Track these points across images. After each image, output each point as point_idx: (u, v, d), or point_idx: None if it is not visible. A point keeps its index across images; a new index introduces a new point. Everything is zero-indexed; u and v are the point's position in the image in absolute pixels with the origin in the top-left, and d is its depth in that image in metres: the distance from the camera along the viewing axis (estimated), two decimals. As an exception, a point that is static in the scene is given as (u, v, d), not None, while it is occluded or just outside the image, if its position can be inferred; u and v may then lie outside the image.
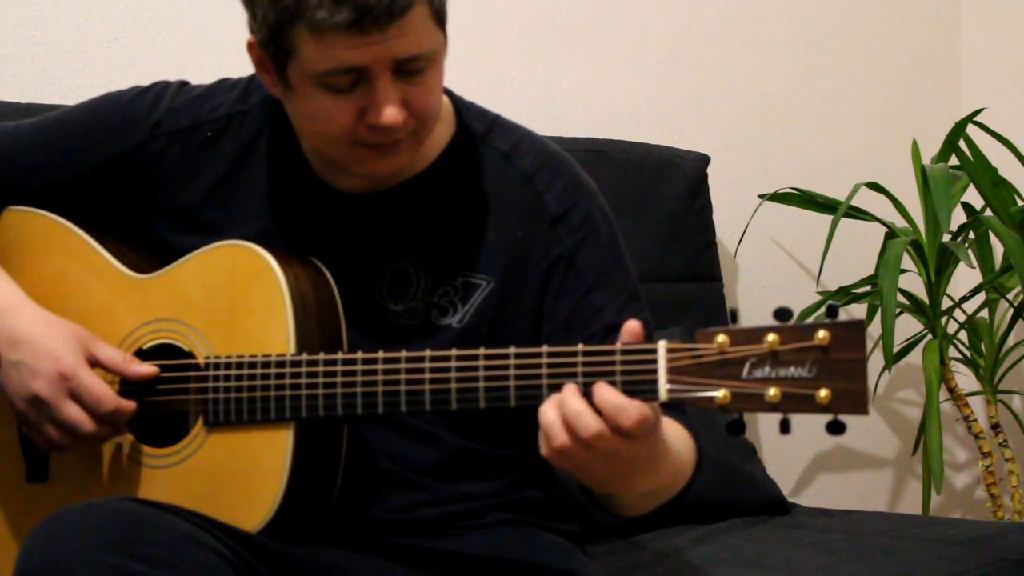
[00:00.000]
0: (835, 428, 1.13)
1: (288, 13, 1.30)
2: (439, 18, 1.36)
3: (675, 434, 1.37)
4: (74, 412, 1.39)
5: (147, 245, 1.52)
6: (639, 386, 1.19)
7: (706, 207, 2.60)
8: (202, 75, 1.59)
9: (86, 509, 1.25)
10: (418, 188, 1.48)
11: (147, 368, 1.42)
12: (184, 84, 1.55)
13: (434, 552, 1.45)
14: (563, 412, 1.19)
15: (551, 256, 1.47)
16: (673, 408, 1.41)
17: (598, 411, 1.19)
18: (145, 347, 1.45)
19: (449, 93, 1.53)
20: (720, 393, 1.15)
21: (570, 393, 1.20)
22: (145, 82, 1.56)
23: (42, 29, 2.05)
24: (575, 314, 1.45)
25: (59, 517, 1.24)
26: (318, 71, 1.32)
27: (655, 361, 1.19)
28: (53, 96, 2.02)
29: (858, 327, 1.12)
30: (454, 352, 1.28)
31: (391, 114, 1.34)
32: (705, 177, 2.60)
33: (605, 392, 1.19)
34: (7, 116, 1.70)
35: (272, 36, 1.34)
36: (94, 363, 1.42)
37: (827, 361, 1.12)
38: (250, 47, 1.40)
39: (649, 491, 1.35)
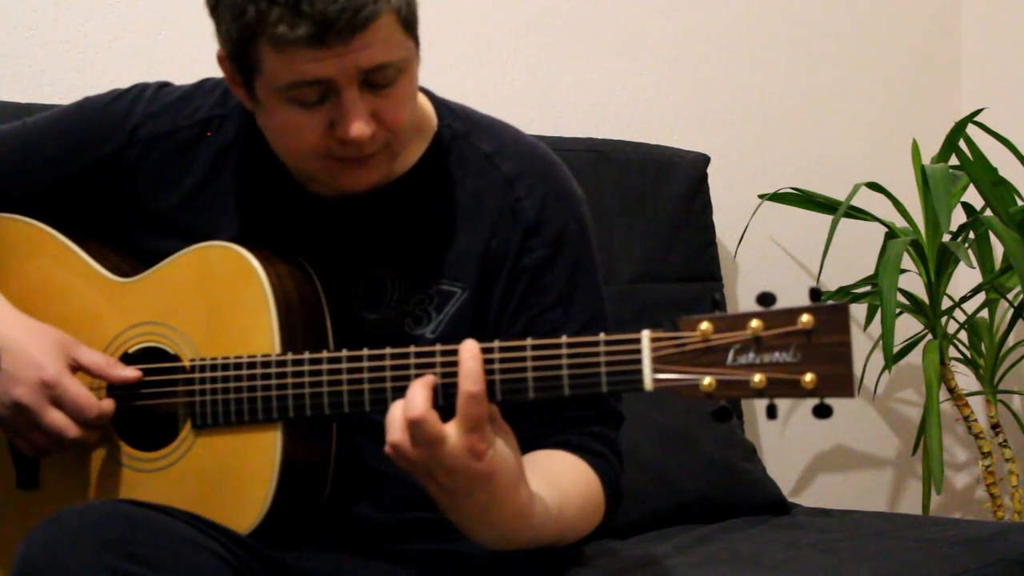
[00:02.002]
0: (821, 412, 1.13)
1: (249, 29, 1.28)
2: (408, 26, 1.33)
3: (582, 497, 1.37)
4: (58, 419, 1.38)
5: (129, 249, 1.52)
6: (624, 376, 1.19)
7: (706, 207, 2.60)
8: (202, 75, 1.58)
9: (83, 511, 1.25)
10: (395, 194, 1.46)
11: (131, 372, 1.42)
12: (164, 85, 1.54)
13: (430, 555, 1.44)
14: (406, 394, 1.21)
15: (520, 266, 1.45)
16: (594, 454, 1.41)
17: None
18: (130, 351, 1.45)
19: (429, 94, 1.51)
20: (705, 381, 1.15)
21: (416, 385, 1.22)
22: (144, 82, 1.56)
23: (42, 29, 2.05)
24: (530, 329, 1.43)
25: (56, 519, 1.24)
26: (283, 85, 1.31)
27: (639, 351, 1.19)
28: (53, 96, 2.01)
29: (842, 310, 1.12)
30: (439, 348, 1.27)
31: (359, 128, 1.31)
32: (705, 177, 2.60)
33: (412, 389, 1.21)
34: (7, 116, 1.70)
35: (236, 51, 1.32)
36: (77, 368, 1.41)
37: (811, 345, 1.12)
38: (220, 60, 1.39)
39: (500, 539, 1.31)
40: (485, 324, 1.45)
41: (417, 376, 1.27)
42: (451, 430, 1.20)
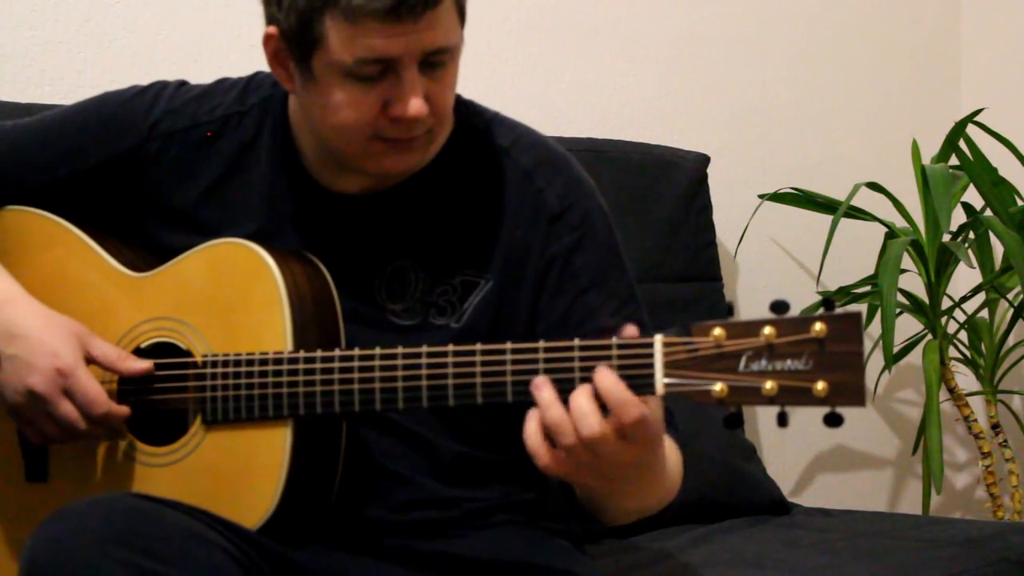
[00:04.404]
0: (833, 421, 1.13)
1: (320, 0, 1.30)
2: (461, 14, 1.37)
3: (671, 456, 1.38)
4: (69, 410, 1.39)
5: (145, 244, 1.52)
6: (636, 380, 1.19)
7: (706, 207, 2.60)
8: (202, 75, 1.58)
9: (93, 504, 1.25)
10: (417, 187, 1.47)
11: (142, 364, 1.42)
12: (183, 84, 1.55)
13: (436, 554, 1.45)
14: (572, 408, 1.20)
15: (548, 254, 1.46)
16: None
17: (602, 403, 1.19)
18: (143, 346, 1.45)
19: None
20: (717, 387, 1.15)
21: (581, 393, 1.20)
22: (145, 82, 1.56)
23: (42, 29, 2.05)
24: (569, 314, 1.44)
25: (65, 512, 1.24)
26: (347, 61, 1.32)
27: (651, 355, 1.19)
28: (53, 96, 2.01)
29: (855, 319, 1.12)
30: (451, 348, 1.28)
31: (416, 106, 1.34)
32: (705, 177, 2.60)
33: (607, 380, 1.19)
34: (7, 116, 1.70)
35: (300, 24, 1.33)
36: (89, 360, 1.42)
37: (824, 353, 1.12)
38: (267, 39, 1.39)
39: (639, 509, 1.37)
40: (512, 315, 1.46)
41: (429, 376, 1.29)
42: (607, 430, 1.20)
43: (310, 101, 1.41)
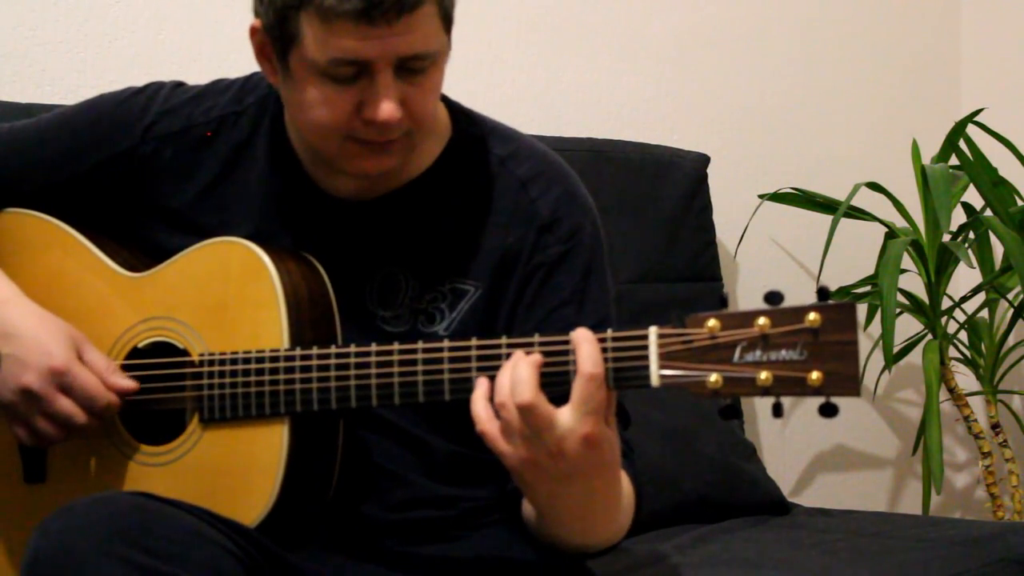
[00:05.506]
0: (828, 411, 1.13)
1: None
2: (446, 20, 1.36)
3: (625, 492, 1.37)
4: (67, 406, 1.39)
5: (142, 245, 1.52)
6: (631, 372, 1.19)
7: (706, 207, 2.60)
8: (202, 75, 1.58)
9: (97, 501, 1.25)
10: (411, 194, 1.47)
11: (127, 383, 1.42)
12: (179, 85, 1.55)
13: (434, 555, 1.45)
14: (512, 375, 1.21)
15: (533, 263, 1.46)
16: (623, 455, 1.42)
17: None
18: (140, 345, 1.45)
19: (446, 100, 1.52)
20: (712, 378, 1.15)
21: (524, 363, 1.21)
22: (145, 82, 1.56)
23: (42, 29, 2.05)
24: (543, 326, 1.42)
25: (69, 509, 1.24)
26: (321, 60, 1.32)
27: (646, 347, 1.19)
28: (53, 96, 2.02)
29: (849, 309, 1.12)
30: (446, 344, 1.28)
31: (388, 110, 1.33)
32: (705, 177, 2.61)
33: (519, 369, 1.20)
34: (7, 116, 1.70)
35: (278, 20, 1.33)
36: None
37: (818, 343, 1.12)
38: (253, 32, 1.39)
39: (583, 540, 1.35)
40: (496, 322, 1.45)
41: (425, 371, 1.29)
42: (565, 414, 1.20)
43: (288, 97, 1.41)
